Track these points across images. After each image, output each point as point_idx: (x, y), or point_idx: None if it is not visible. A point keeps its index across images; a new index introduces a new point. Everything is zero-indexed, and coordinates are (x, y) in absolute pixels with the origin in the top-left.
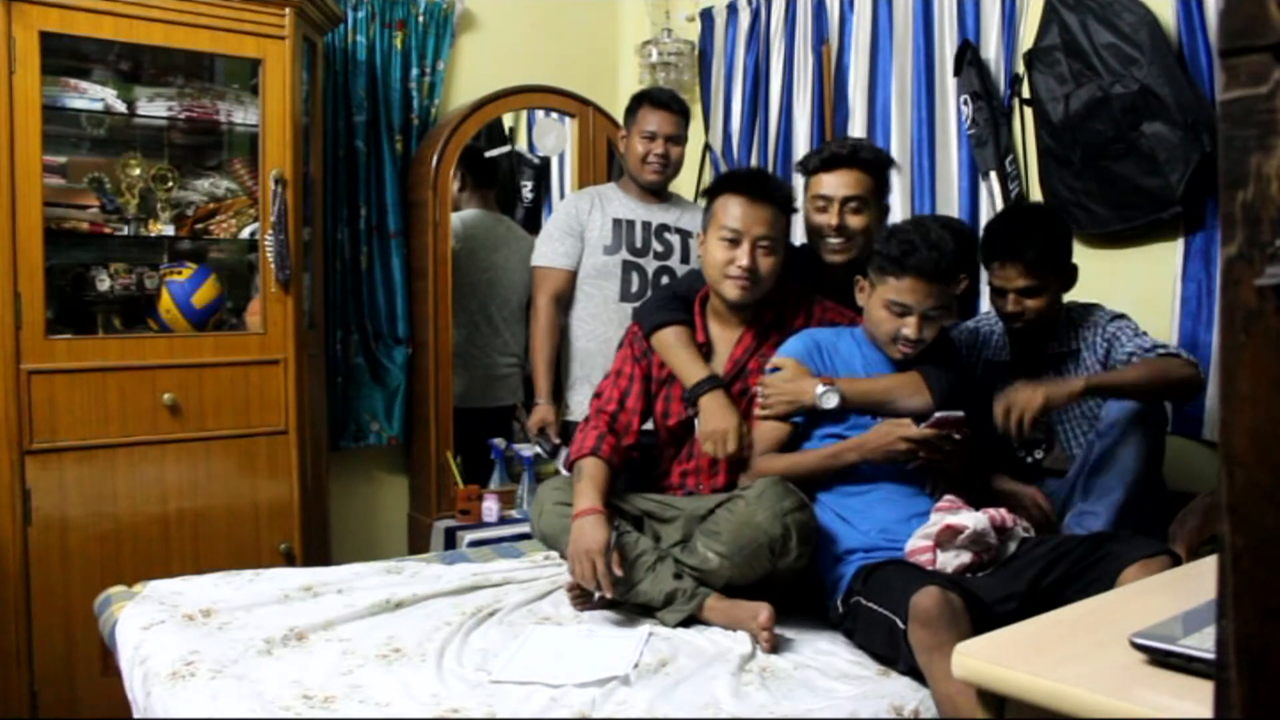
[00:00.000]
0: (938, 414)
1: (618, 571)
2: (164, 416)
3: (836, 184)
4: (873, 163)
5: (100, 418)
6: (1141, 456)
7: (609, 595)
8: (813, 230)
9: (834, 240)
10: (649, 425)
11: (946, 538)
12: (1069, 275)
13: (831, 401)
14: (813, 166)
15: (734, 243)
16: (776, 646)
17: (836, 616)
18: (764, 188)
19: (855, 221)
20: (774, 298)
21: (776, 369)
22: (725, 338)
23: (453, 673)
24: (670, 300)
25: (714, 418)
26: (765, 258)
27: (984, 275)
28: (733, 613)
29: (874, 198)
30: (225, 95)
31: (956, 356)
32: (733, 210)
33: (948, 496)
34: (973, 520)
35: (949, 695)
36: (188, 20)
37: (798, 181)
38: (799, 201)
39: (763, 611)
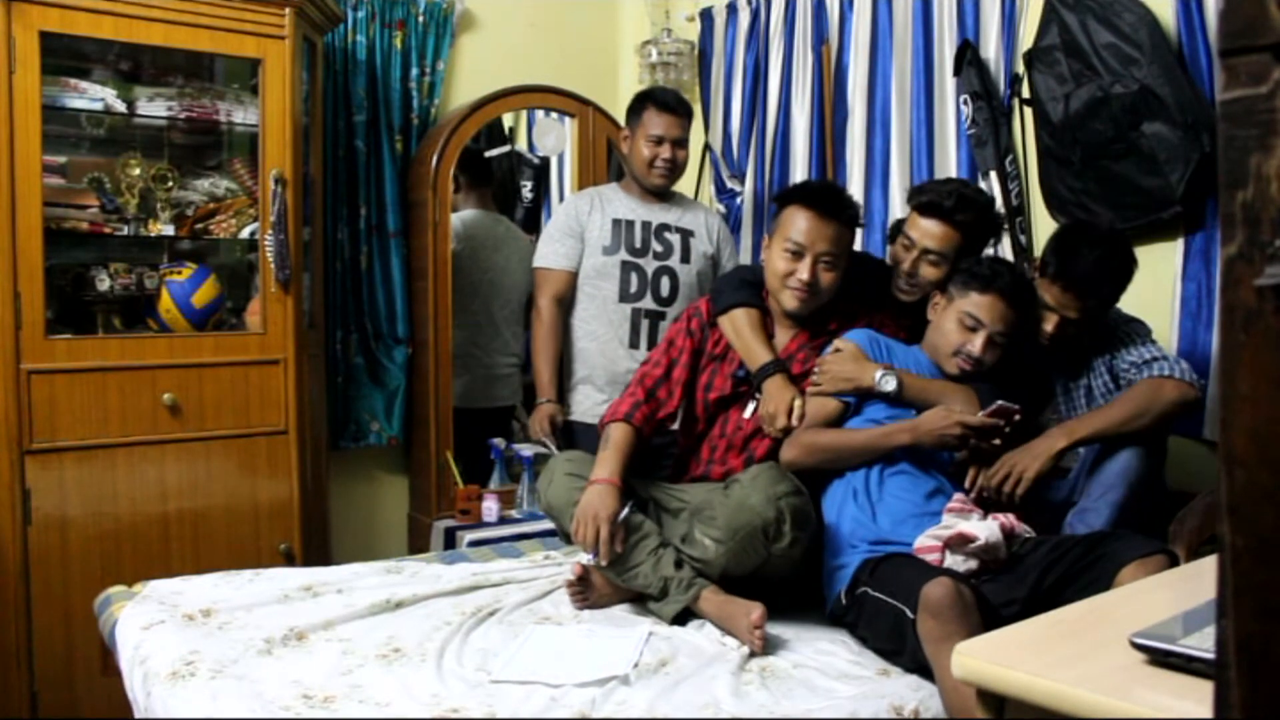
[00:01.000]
0: (998, 402)
1: (618, 548)
2: (164, 416)
3: (924, 232)
4: (969, 225)
5: (100, 418)
6: (1143, 456)
7: (603, 563)
8: (893, 258)
9: (903, 282)
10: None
11: (957, 543)
12: (1109, 307)
13: (890, 385)
14: (914, 204)
15: (797, 255)
16: (769, 646)
17: (839, 609)
18: (834, 204)
19: (929, 273)
20: (838, 307)
21: (839, 351)
22: (781, 336)
23: (453, 673)
24: (743, 285)
25: (774, 398)
26: (826, 272)
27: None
28: (726, 608)
29: (957, 255)
30: (225, 95)
31: (1023, 373)
32: (800, 223)
33: (958, 496)
34: (985, 531)
35: (955, 687)
36: (188, 20)
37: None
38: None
39: (755, 610)
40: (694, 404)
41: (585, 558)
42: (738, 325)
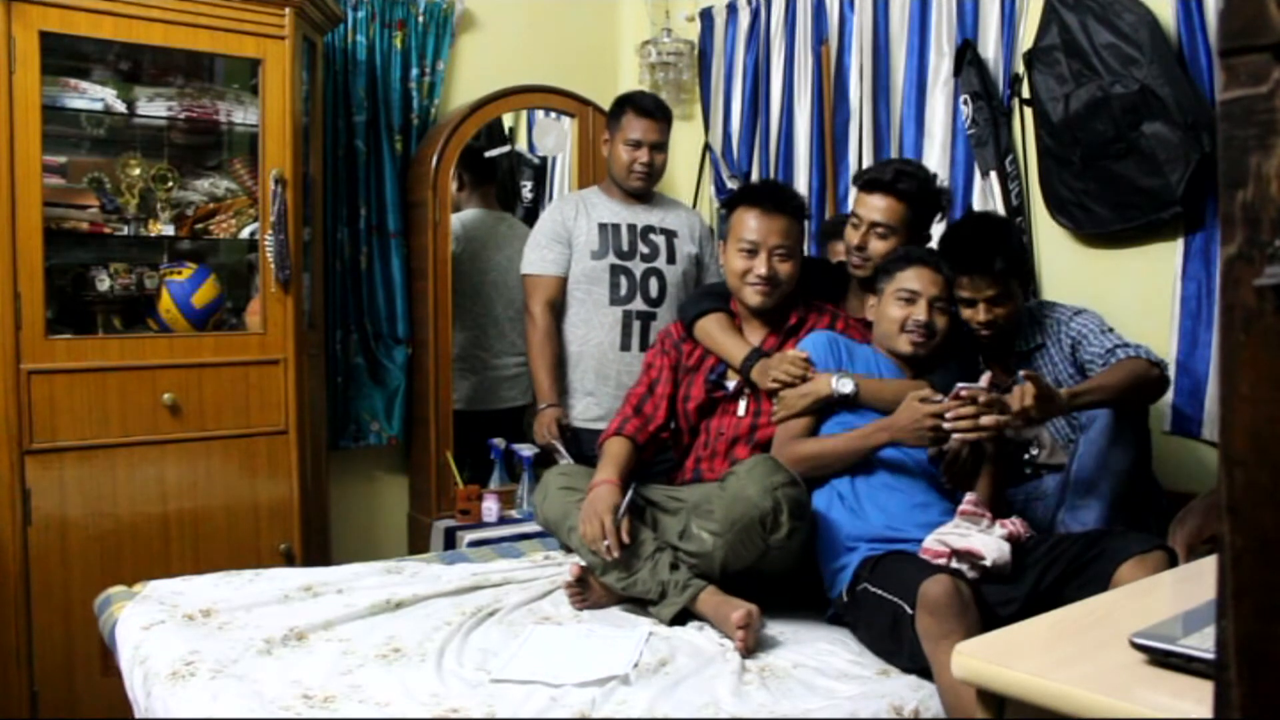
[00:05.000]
0: (959, 385)
1: (625, 538)
2: (164, 416)
3: (869, 207)
4: (912, 195)
5: (100, 418)
6: (1128, 451)
7: (615, 553)
8: (844, 241)
9: (854, 258)
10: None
11: (964, 556)
12: (1025, 279)
13: (847, 387)
14: (858, 183)
15: (752, 253)
16: (768, 645)
17: (840, 608)
18: (777, 199)
19: (877, 247)
20: (799, 304)
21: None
22: (752, 337)
23: (453, 673)
24: (708, 295)
25: (771, 368)
26: (782, 264)
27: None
28: (721, 609)
29: (905, 227)
30: (225, 95)
31: (966, 358)
32: (749, 222)
33: (969, 498)
34: (995, 552)
35: (953, 685)
36: (188, 20)
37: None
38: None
39: (741, 610)
40: (679, 417)
41: (589, 559)
42: (709, 330)
